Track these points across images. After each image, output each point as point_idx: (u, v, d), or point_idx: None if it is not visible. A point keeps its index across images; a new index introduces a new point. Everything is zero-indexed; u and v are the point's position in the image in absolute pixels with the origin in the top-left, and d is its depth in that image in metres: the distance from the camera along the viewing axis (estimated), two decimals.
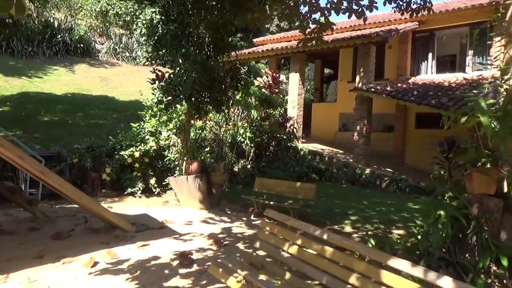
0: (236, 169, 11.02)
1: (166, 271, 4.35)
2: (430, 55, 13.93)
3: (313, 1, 6.81)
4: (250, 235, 6.09)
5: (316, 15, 7.14)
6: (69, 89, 16.18)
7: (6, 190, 6.50)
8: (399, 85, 12.62)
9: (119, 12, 23.12)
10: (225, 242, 5.55)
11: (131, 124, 10.32)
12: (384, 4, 7.64)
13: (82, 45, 20.31)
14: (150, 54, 7.79)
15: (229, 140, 11.55)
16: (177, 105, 8.62)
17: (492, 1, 11.75)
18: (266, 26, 25.77)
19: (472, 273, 3.56)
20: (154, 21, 7.43)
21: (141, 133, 9.81)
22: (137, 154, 9.05)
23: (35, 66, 17.72)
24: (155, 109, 9.81)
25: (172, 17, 7.49)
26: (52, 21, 20.12)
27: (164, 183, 9.29)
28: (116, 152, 9.30)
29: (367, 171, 11.77)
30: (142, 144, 9.37)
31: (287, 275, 2.95)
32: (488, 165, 4.16)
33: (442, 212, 3.59)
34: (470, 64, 13.24)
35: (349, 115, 14.36)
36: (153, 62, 7.85)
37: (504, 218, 3.81)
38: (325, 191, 9.90)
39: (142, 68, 19.52)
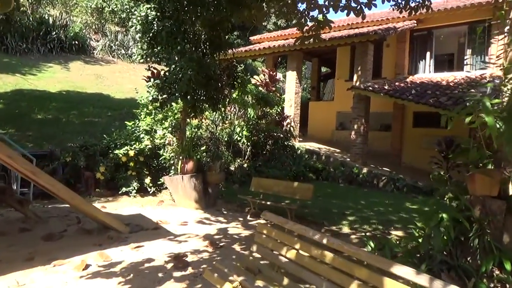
0: (232, 168, 10.90)
1: (160, 274, 4.23)
2: (428, 54, 13.85)
3: None
4: (247, 236, 5.98)
5: (314, 13, 7.03)
6: (64, 87, 15.98)
7: None
8: (397, 84, 12.54)
9: (115, 9, 22.88)
10: (221, 244, 5.43)
11: (125, 122, 10.17)
12: (383, 2, 7.54)
13: (77, 42, 20.10)
14: (145, 51, 7.64)
15: (226, 139, 11.43)
16: (173, 103, 8.47)
17: (491, 0, 11.72)
18: (263, 24, 25.63)
19: (474, 278, 3.47)
20: (149, 18, 7.27)
21: (136, 131, 9.67)
22: (131, 153, 8.91)
23: (29, 63, 17.50)
24: (150, 107, 9.67)
25: (168, 14, 7.34)
26: (46, 17, 19.88)
27: (159, 182, 9.16)
28: (110, 151, 9.16)
29: (365, 170, 11.69)
30: (137, 143, 9.23)
31: (285, 281, 2.84)
32: (489, 166, 4.07)
33: (444, 215, 3.48)
34: (468, 63, 13.18)
35: (347, 113, 14.27)
36: (148, 59, 7.69)
37: (507, 220, 3.71)
38: (322, 191, 9.80)
39: (138, 66, 19.34)
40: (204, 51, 7.91)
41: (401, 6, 7.41)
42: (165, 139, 9.57)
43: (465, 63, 13.28)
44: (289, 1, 6.95)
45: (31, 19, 19.32)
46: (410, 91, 11.29)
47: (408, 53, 14.17)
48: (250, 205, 7.50)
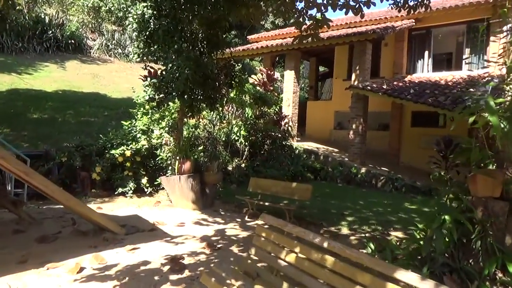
0: (230, 168, 10.81)
1: (156, 277, 4.14)
2: (426, 53, 13.80)
3: None
4: (245, 237, 5.90)
5: (312, 11, 6.96)
6: (60, 86, 15.84)
7: None
8: (395, 83, 12.49)
9: (112, 8, 22.72)
10: (219, 245, 5.35)
11: (122, 122, 10.06)
12: (381, 0, 7.50)
13: (73, 41, 19.96)
14: (142, 50, 7.53)
15: (223, 139, 11.34)
16: (170, 103, 8.38)
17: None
18: (261, 23, 25.53)
19: (477, 281, 3.40)
20: (146, 16, 7.17)
21: (133, 131, 9.56)
22: (128, 153, 8.80)
23: (25, 63, 17.35)
24: (147, 106, 9.56)
25: (164, 12, 7.23)
26: (43, 16, 19.71)
27: (156, 182, 9.05)
28: (106, 151, 9.05)
29: (363, 170, 11.63)
30: (134, 143, 9.13)
31: (284, 286, 2.76)
32: (490, 167, 4.00)
33: (447, 217, 3.41)
34: (467, 62, 13.13)
35: (345, 113, 14.21)
36: (145, 58, 7.59)
37: (509, 222, 3.64)
38: (320, 191, 9.73)
39: (135, 65, 19.20)
40: (202, 50, 7.81)
41: (399, 5, 7.33)
42: (162, 139, 9.47)
43: (464, 62, 13.23)
44: (287, 0, 6.88)
45: (27, 18, 19.16)
46: (408, 91, 11.24)
47: (407, 52, 14.12)
48: (248, 205, 7.42)
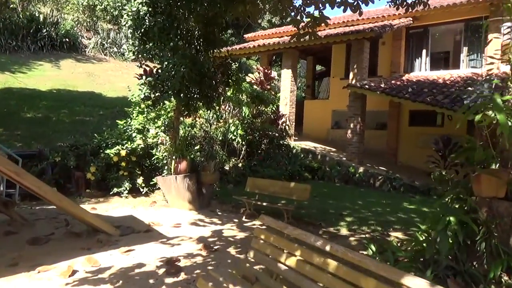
0: (227, 167, 10.69)
1: (151, 281, 4.01)
2: (424, 51, 13.73)
3: None
4: (242, 238, 5.78)
5: (310, 9, 6.87)
6: (54, 85, 15.65)
7: None
8: (393, 82, 12.41)
9: (107, 7, 22.52)
10: (216, 247, 5.22)
11: (117, 121, 9.91)
12: None
13: (68, 40, 19.75)
14: (137, 48, 7.38)
15: (220, 138, 11.21)
16: (166, 102, 8.24)
17: None
18: (257, 22, 25.43)
19: (482, 284, 3.31)
20: (141, 13, 7.03)
21: (128, 130, 9.41)
22: (123, 153, 8.66)
23: (19, 61, 17.15)
24: (142, 105, 9.42)
25: (160, 9, 7.10)
26: (37, 15, 19.49)
27: (152, 182, 8.92)
28: (101, 151, 8.90)
29: (361, 169, 11.54)
30: (129, 142, 8.97)
31: None
32: (493, 166, 3.91)
33: (452, 218, 3.31)
34: (464, 61, 13.09)
35: (342, 112, 14.12)
36: (140, 56, 7.44)
37: None
38: (318, 191, 9.63)
39: (131, 64, 19.03)
40: (198, 47, 7.68)
41: (398, 2, 7.25)
42: (158, 138, 9.33)
43: (462, 60, 13.17)
44: None
45: (21, 16, 18.94)
46: (406, 89, 11.16)
47: (404, 51, 14.04)
48: (246, 206, 7.30)
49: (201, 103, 8.03)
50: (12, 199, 6.99)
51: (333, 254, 2.46)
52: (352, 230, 6.31)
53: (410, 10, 7.24)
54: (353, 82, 12.10)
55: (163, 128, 9.51)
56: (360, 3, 6.48)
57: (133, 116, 9.71)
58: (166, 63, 7.00)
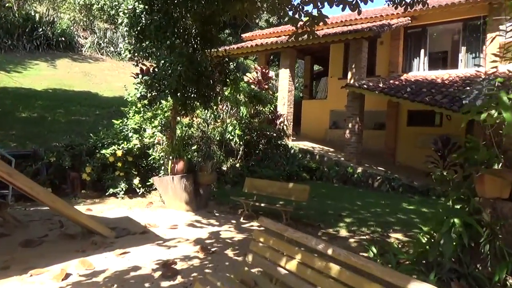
0: (224, 168, 10.58)
1: (147, 284, 3.90)
2: (422, 51, 13.68)
3: None
4: (240, 240, 5.69)
5: (309, 7, 6.76)
6: (50, 85, 15.49)
7: None
8: (391, 81, 12.34)
9: (104, 6, 22.35)
10: (213, 249, 5.12)
11: (113, 120, 9.78)
12: None
13: (64, 39, 19.57)
14: (133, 46, 7.28)
15: (217, 138, 11.10)
16: (162, 101, 8.13)
17: None
18: (255, 21, 25.31)
19: (487, 287, 3.22)
20: (137, 11, 6.93)
21: (124, 130, 9.29)
22: (119, 153, 8.53)
23: (14, 61, 16.96)
24: (139, 105, 9.30)
25: (157, 7, 7.00)
26: (33, 14, 19.31)
27: (148, 183, 8.79)
28: (97, 151, 8.78)
29: (359, 170, 11.46)
30: (125, 142, 8.85)
31: None
32: (496, 166, 3.83)
33: (456, 220, 3.22)
34: (463, 60, 13.05)
35: (340, 112, 14.05)
36: (136, 54, 7.33)
37: None
38: (317, 191, 9.53)
39: (127, 64, 18.83)
40: (195, 46, 7.58)
41: (396, 1, 7.17)
42: (155, 138, 9.22)
43: (461, 60, 13.13)
44: None
45: (16, 15, 18.76)
46: (405, 89, 11.09)
47: (402, 50, 13.99)
48: (243, 206, 7.20)
49: (198, 103, 7.94)
50: (5, 201, 6.86)
51: (335, 258, 2.36)
52: (351, 232, 6.22)
53: (409, 9, 7.16)
54: (352, 81, 12.02)
55: (160, 128, 9.40)
56: (359, 1, 6.41)
57: (130, 116, 9.59)
58: (162, 61, 6.90)
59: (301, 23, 6.59)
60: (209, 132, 11.15)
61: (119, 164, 8.59)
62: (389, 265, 3.90)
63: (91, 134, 9.38)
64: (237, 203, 7.69)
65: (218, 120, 11.69)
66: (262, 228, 3.32)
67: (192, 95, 7.62)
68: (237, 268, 4.23)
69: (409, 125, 13.55)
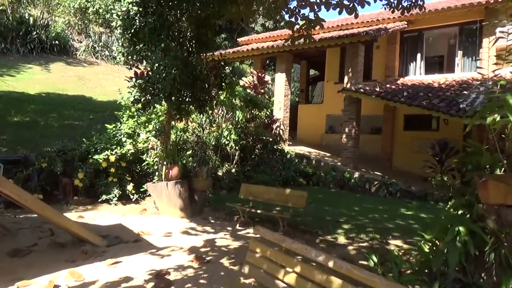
0: (220, 173, 10.43)
1: None
2: (418, 55, 13.66)
3: None
4: (236, 248, 5.53)
5: (305, 11, 6.69)
6: (44, 89, 15.28)
7: None
8: (388, 86, 12.29)
9: (99, 10, 22.19)
10: (208, 258, 4.96)
11: (106, 125, 9.61)
12: (375, 0, 7.23)
13: (58, 42, 19.37)
14: (126, 49, 7.13)
15: (213, 143, 10.96)
16: (156, 105, 7.97)
17: (482, 1, 11.58)
18: (251, 25, 25.30)
19: None
20: (131, 13, 6.79)
21: (118, 135, 9.12)
22: (112, 158, 8.35)
23: (7, 64, 16.74)
24: (133, 109, 9.14)
25: (151, 9, 6.86)
26: (27, 17, 19.12)
27: (142, 189, 8.60)
28: (90, 156, 8.60)
29: (356, 175, 11.36)
30: (119, 147, 8.67)
31: None
32: (497, 171, 3.72)
33: (461, 228, 3.10)
34: (459, 64, 13.03)
35: (336, 116, 13.97)
36: (130, 58, 7.18)
37: None
38: (313, 196, 9.40)
39: (122, 68, 18.66)
40: (190, 49, 7.46)
41: (393, 5, 7.11)
42: (149, 143, 9.05)
43: (457, 64, 13.10)
44: None
45: (10, 18, 18.57)
46: (402, 93, 11.04)
47: (399, 55, 13.97)
48: (239, 213, 7.04)
49: (193, 107, 7.80)
50: None
51: (337, 270, 2.22)
52: (350, 238, 6.08)
53: (405, 13, 7.10)
54: (348, 86, 11.94)
55: (154, 132, 9.24)
56: (356, 5, 6.33)
57: (123, 120, 9.42)
58: (157, 65, 6.76)
59: (297, 26, 6.51)
60: (204, 137, 11.01)
61: (112, 170, 8.41)
62: (390, 274, 3.78)
63: (83, 139, 9.19)
64: (233, 210, 7.53)
65: (214, 125, 11.55)
66: (258, 236, 3.18)
67: (187, 99, 7.48)
68: (232, 279, 4.08)
69: (405, 130, 13.50)
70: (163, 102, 7.57)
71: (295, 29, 6.45)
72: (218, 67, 8.08)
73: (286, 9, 6.68)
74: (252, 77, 13.54)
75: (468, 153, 4.24)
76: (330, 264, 2.27)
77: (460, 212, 3.81)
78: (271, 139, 12.12)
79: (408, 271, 3.76)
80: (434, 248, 3.50)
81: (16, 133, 10.76)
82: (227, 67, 8.70)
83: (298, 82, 20.91)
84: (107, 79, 18.43)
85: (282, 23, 6.69)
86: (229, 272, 4.43)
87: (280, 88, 13.97)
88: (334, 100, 13.84)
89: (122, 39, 7.15)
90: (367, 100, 11.64)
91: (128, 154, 8.67)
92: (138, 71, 7.57)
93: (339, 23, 14.52)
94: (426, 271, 3.58)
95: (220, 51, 10.15)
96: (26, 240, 5.51)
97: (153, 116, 9.33)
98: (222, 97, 10.81)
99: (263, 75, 13.58)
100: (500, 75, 3.81)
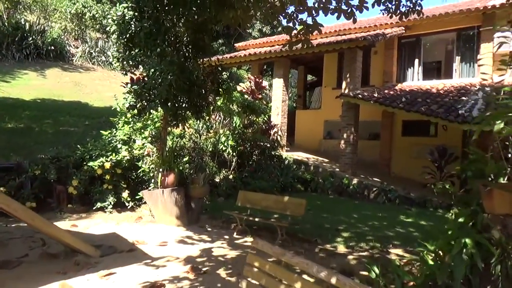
0: (217, 179, 10.29)
1: None
2: (416, 61, 13.61)
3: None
4: (233, 257, 5.39)
5: (303, 16, 6.61)
6: (39, 94, 15.13)
7: None
8: (386, 91, 12.21)
9: (96, 15, 22.14)
10: (204, 268, 4.81)
11: (101, 131, 9.47)
12: (373, 6, 7.16)
13: (53, 48, 19.26)
14: (122, 54, 7.02)
15: (210, 149, 10.83)
16: (152, 111, 7.85)
17: (480, 7, 11.57)
18: (248, 31, 25.30)
19: None
20: (126, 18, 6.69)
21: (113, 141, 8.98)
22: (107, 165, 8.21)
23: (2, 70, 16.61)
24: (128, 115, 9.01)
25: (147, 14, 6.76)
26: (23, 23, 19.01)
27: (138, 197, 8.46)
28: (84, 163, 8.45)
29: (355, 181, 11.24)
30: (114, 154, 8.53)
31: None
32: (502, 180, 3.62)
33: (468, 240, 2.98)
34: (457, 70, 12.99)
35: (334, 122, 13.88)
36: (125, 63, 7.06)
37: None
38: (312, 203, 9.25)
39: (119, 73, 18.45)
40: (187, 54, 7.35)
41: (391, 11, 7.06)
42: (145, 150, 8.91)
43: (455, 70, 13.06)
44: (277, 3, 6.51)
45: (6, 24, 18.46)
46: (400, 99, 10.96)
47: (396, 60, 13.92)
48: (237, 221, 6.90)
49: (190, 113, 7.68)
50: None
51: None
52: (350, 247, 5.95)
53: (404, 18, 7.04)
54: (346, 91, 11.86)
55: (150, 139, 9.11)
56: (354, 10, 6.26)
57: (119, 127, 9.29)
58: (152, 70, 6.64)
59: (295, 31, 6.43)
60: (201, 143, 10.88)
61: (108, 177, 8.26)
62: (392, 286, 3.65)
63: (78, 146, 9.05)
64: (230, 217, 7.39)
65: (211, 131, 11.43)
66: (256, 249, 3.05)
67: (184, 105, 7.37)
68: None
69: (404, 135, 13.41)
70: (159, 108, 7.45)
71: (293, 34, 6.36)
72: (215, 72, 7.98)
73: (283, 14, 6.60)
74: (250, 82, 13.44)
75: (471, 160, 4.14)
76: (333, 280, 2.14)
77: (462, 220, 3.70)
78: (268, 145, 12.00)
79: (411, 283, 3.63)
80: (439, 260, 3.37)
81: (9, 140, 10.60)
82: (224, 73, 8.59)
83: (296, 88, 20.84)
84: (104, 85, 18.31)
85: (280, 29, 6.60)
86: (226, 284, 4.29)
87: (278, 93, 13.88)
88: (332, 105, 13.76)
89: (118, 44, 7.03)
90: (365, 105, 11.55)
91: (124, 161, 8.53)
92: (134, 77, 7.46)
93: (337, 28, 14.47)
94: (431, 283, 3.46)
95: (217, 57, 10.04)
96: (16, 250, 5.36)
97: (149, 122, 9.21)
98: (219, 103, 10.71)
99: (260, 80, 13.48)
100: (503, 80, 3.72)
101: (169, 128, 8.77)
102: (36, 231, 6.08)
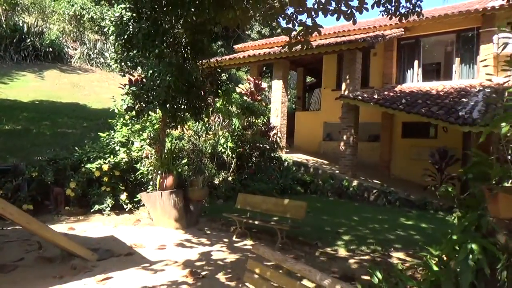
0: (216, 182, 10.21)
1: None
2: (416, 62, 13.57)
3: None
4: (233, 261, 5.31)
5: (303, 17, 6.57)
6: (37, 96, 15.04)
7: None
8: (386, 93, 12.16)
9: (94, 17, 22.07)
10: (203, 273, 4.73)
11: (99, 133, 9.38)
12: (373, 7, 7.11)
13: (52, 50, 19.18)
14: (120, 56, 6.95)
15: (209, 151, 10.75)
16: (151, 113, 7.78)
17: (479, 8, 11.54)
18: (247, 32, 25.27)
19: None
20: (124, 19, 6.62)
21: (111, 143, 8.89)
22: (105, 167, 8.13)
23: (0, 72, 16.52)
24: (127, 117, 8.93)
25: (145, 15, 6.69)
26: (21, 24, 18.94)
27: (136, 199, 8.39)
28: (82, 165, 8.37)
29: (355, 183, 11.17)
30: (112, 156, 8.46)
31: None
32: (506, 183, 3.55)
33: (474, 246, 2.91)
34: (457, 71, 12.95)
35: (334, 124, 13.82)
36: (123, 64, 6.99)
37: None
38: (312, 205, 9.14)
39: (117, 75, 18.43)
40: (185, 55, 7.28)
41: (391, 12, 7.01)
42: (143, 152, 8.83)
43: (455, 71, 13.01)
44: (276, 4, 6.46)
45: (4, 26, 18.37)
46: (400, 101, 10.90)
47: (396, 62, 13.87)
48: (236, 224, 6.82)
49: (188, 114, 7.61)
50: None
51: None
52: (350, 251, 5.88)
53: (403, 20, 6.98)
54: (346, 93, 11.81)
55: (148, 140, 9.03)
56: (354, 11, 6.21)
57: (117, 128, 9.21)
58: (151, 71, 6.57)
59: (294, 33, 6.37)
60: (200, 145, 10.80)
61: (105, 179, 8.19)
62: None
63: (76, 148, 8.96)
64: (229, 220, 7.31)
65: (210, 132, 11.36)
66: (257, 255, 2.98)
67: (182, 107, 7.30)
68: None
69: (404, 137, 13.34)
70: (158, 110, 7.37)
71: (292, 35, 6.31)
72: (214, 74, 7.91)
73: (283, 15, 6.55)
74: (249, 84, 13.37)
75: (474, 162, 4.07)
76: None
77: (465, 223, 3.63)
78: (268, 147, 11.93)
79: None
80: (443, 265, 3.30)
81: (6, 142, 10.51)
82: (223, 74, 8.52)
83: (295, 89, 20.80)
84: (102, 87, 18.22)
85: (279, 30, 6.54)
86: None
87: (277, 95, 13.83)
88: (331, 107, 13.70)
89: (116, 45, 6.96)
90: (365, 107, 11.50)
91: (122, 163, 8.46)
92: (133, 78, 7.39)
93: (336, 30, 14.43)
94: None
95: (216, 58, 9.99)
96: (12, 254, 5.28)
97: (147, 124, 9.13)
98: (218, 104, 10.64)
99: (259, 82, 13.42)
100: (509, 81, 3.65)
101: (168, 130, 8.68)
102: (33, 234, 6.00)
